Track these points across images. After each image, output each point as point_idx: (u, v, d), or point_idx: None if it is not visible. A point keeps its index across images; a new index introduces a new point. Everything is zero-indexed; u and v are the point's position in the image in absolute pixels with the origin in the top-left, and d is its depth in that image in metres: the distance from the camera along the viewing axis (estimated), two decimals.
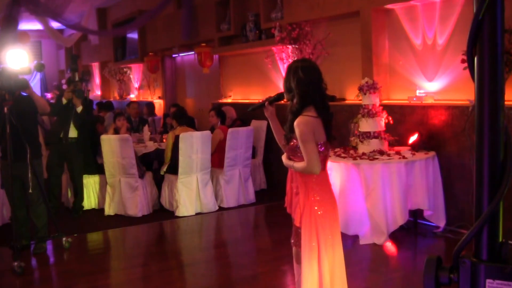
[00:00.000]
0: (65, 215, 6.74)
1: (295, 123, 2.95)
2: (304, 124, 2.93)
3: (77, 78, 6.68)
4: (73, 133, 6.59)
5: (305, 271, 3.04)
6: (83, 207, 6.96)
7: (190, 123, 7.94)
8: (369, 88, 5.51)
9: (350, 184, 5.18)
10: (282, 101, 3.23)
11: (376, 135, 5.49)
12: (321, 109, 3.00)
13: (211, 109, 7.77)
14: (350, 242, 5.12)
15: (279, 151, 3.29)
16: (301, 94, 2.97)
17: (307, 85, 2.97)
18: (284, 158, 3.17)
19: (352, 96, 6.48)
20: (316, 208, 3.01)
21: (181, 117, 7.07)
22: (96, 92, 15.69)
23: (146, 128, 7.87)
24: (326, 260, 3.01)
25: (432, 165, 5.29)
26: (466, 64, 1.77)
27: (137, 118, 9.51)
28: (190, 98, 11.39)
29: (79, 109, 6.51)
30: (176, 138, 6.57)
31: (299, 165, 3.00)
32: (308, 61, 3.18)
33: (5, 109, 4.74)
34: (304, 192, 3.04)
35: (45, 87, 18.34)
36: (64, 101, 6.50)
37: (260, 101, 3.28)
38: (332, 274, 3.04)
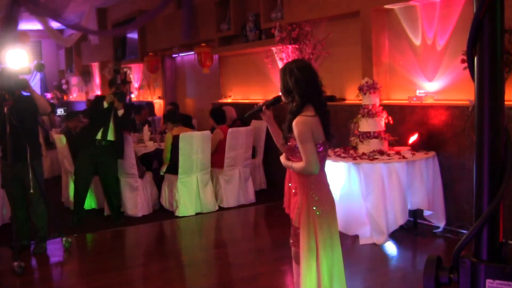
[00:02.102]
0: (65, 215, 6.73)
1: (293, 123, 2.95)
2: (302, 124, 2.92)
3: (119, 81, 6.42)
4: (110, 136, 6.27)
5: (304, 272, 3.04)
6: (123, 212, 6.61)
7: (186, 121, 7.82)
8: (369, 88, 5.51)
9: (350, 184, 5.18)
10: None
11: (376, 135, 5.49)
12: (319, 106, 3.00)
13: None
14: (350, 242, 5.13)
15: (279, 151, 3.29)
16: (300, 93, 2.97)
17: (305, 83, 2.97)
18: (282, 158, 3.16)
19: (352, 96, 6.47)
20: (314, 208, 3.01)
21: (173, 116, 7.02)
22: (96, 92, 15.69)
23: (146, 128, 7.86)
24: (325, 260, 3.01)
25: (432, 165, 5.29)
26: (466, 64, 1.77)
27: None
28: (190, 98, 11.39)
29: (121, 112, 6.23)
30: (175, 138, 6.55)
31: (297, 165, 3.00)
32: (301, 61, 3.22)
33: (5, 109, 4.74)
34: (302, 192, 3.03)
35: (45, 87, 18.32)
36: (105, 104, 6.14)
37: (256, 106, 3.26)
38: (331, 274, 3.04)
